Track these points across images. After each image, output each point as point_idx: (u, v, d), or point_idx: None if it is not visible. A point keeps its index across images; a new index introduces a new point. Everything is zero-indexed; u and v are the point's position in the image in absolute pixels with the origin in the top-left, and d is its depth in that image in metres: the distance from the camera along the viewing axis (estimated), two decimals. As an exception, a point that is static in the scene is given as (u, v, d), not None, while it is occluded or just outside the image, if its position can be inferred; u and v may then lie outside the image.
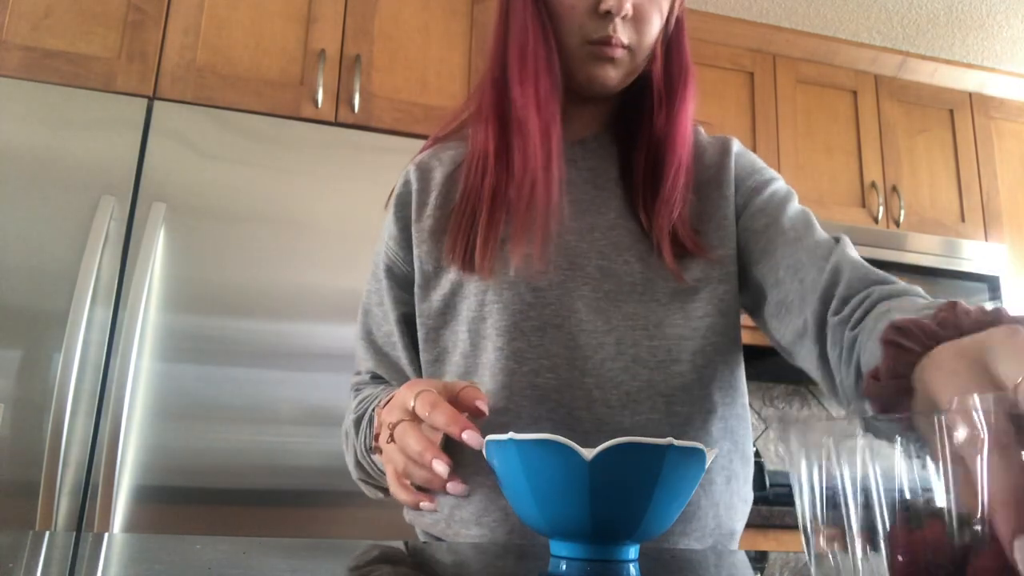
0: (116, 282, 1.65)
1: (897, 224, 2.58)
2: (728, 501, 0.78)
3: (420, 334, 0.81)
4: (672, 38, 0.82)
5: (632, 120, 0.84)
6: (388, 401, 0.70)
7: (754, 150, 2.50)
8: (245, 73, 1.94)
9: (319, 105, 1.95)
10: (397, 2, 2.10)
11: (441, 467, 0.60)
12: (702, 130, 0.90)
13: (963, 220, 2.66)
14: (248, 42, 1.96)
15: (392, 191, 0.87)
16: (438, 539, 0.80)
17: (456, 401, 0.63)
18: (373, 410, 0.74)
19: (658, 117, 0.81)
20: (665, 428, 0.75)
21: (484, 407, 0.63)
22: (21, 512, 1.50)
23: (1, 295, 1.60)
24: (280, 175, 1.81)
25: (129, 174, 1.72)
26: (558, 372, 0.75)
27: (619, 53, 0.77)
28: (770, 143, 2.53)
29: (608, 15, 0.75)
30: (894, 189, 2.61)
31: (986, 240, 2.65)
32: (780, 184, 0.83)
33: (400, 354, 0.83)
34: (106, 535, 0.59)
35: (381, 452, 0.69)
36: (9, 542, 0.54)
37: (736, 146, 0.86)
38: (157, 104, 1.79)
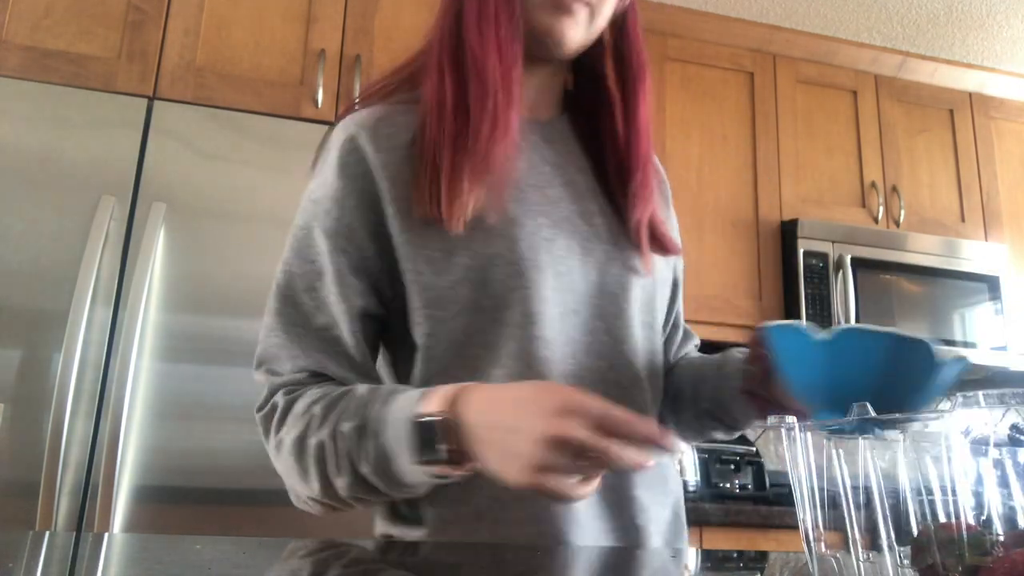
0: (116, 282, 1.65)
1: (897, 224, 2.58)
2: (673, 475, 0.83)
3: (423, 328, 0.74)
4: (623, 29, 0.83)
5: (591, 115, 0.85)
6: (454, 400, 0.61)
7: (754, 150, 2.50)
8: (245, 73, 1.93)
9: (319, 105, 1.95)
10: (397, 2, 2.10)
11: (668, 437, 0.56)
12: None
13: (963, 220, 2.66)
14: (248, 42, 1.96)
15: (322, 158, 0.81)
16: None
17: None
18: (423, 418, 0.61)
19: (618, 113, 0.82)
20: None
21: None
22: (21, 512, 1.50)
23: (1, 295, 1.60)
24: (280, 175, 1.80)
25: (129, 174, 1.72)
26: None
27: (579, 7, 0.76)
28: (770, 143, 2.53)
29: None
30: (894, 189, 2.61)
31: (986, 240, 2.64)
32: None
33: (352, 348, 0.75)
34: (106, 535, 0.59)
35: (461, 464, 0.60)
36: (9, 542, 0.54)
37: (661, 167, 0.94)
38: (157, 104, 1.79)
